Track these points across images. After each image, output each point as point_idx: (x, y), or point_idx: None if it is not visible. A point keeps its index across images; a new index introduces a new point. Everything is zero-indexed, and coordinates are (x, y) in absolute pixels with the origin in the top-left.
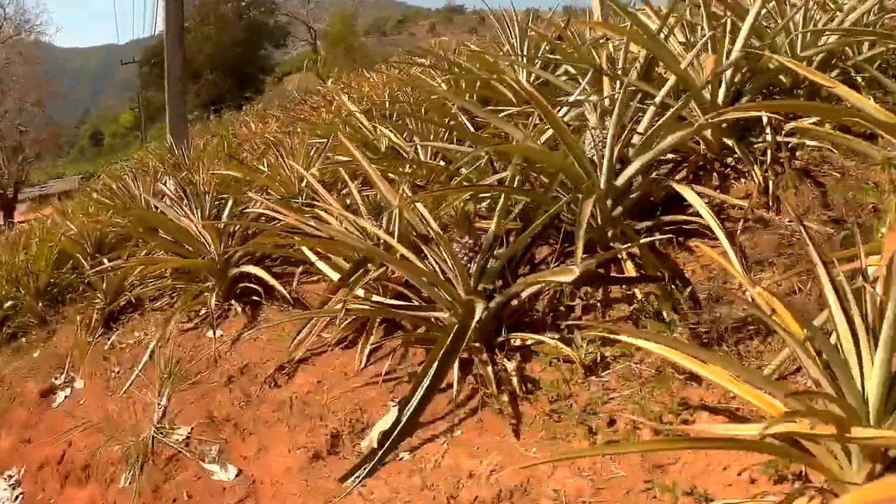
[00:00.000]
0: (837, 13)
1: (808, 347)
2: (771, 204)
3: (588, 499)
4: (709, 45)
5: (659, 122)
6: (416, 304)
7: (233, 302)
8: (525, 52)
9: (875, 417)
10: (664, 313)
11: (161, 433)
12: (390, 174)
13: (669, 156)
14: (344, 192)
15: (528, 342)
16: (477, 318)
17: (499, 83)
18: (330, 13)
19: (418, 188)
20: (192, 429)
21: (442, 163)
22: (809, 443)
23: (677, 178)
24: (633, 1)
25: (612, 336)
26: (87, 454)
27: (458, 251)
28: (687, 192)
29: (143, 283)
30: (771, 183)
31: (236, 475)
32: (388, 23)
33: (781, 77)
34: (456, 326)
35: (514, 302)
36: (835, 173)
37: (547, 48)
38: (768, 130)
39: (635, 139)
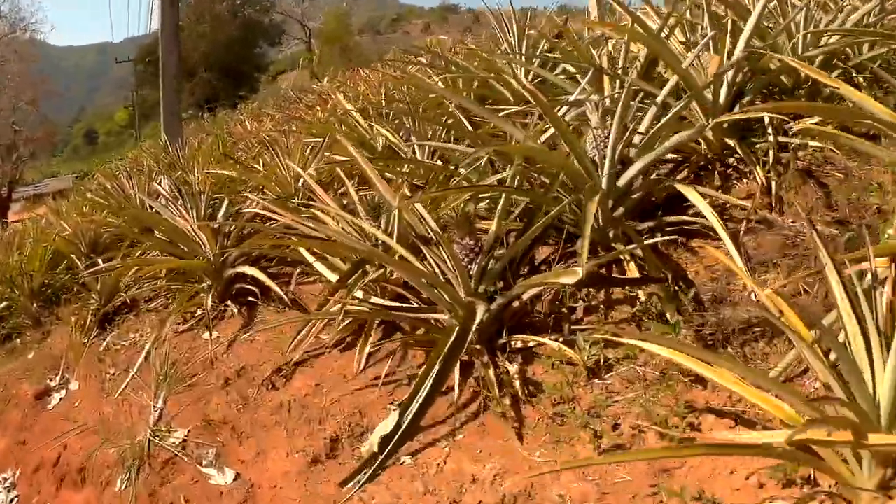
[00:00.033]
0: (838, 14)
1: (816, 350)
2: (774, 204)
3: None
4: (710, 44)
5: (661, 123)
6: (416, 305)
7: (229, 303)
8: (523, 51)
9: (887, 422)
10: (668, 315)
11: (157, 436)
12: (387, 174)
13: (670, 156)
14: (341, 191)
15: (530, 344)
16: (478, 320)
17: (496, 82)
18: (324, 12)
19: (416, 188)
20: (188, 432)
21: (440, 162)
22: (819, 447)
23: (678, 178)
24: (631, 1)
25: (615, 339)
26: (83, 457)
27: (458, 252)
28: (690, 193)
29: (137, 283)
30: (773, 183)
31: (234, 479)
32: (382, 21)
33: (782, 77)
34: (457, 329)
35: (516, 304)
36: (838, 174)
37: (545, 47)
38: (770, 130)
39: (636, 139)
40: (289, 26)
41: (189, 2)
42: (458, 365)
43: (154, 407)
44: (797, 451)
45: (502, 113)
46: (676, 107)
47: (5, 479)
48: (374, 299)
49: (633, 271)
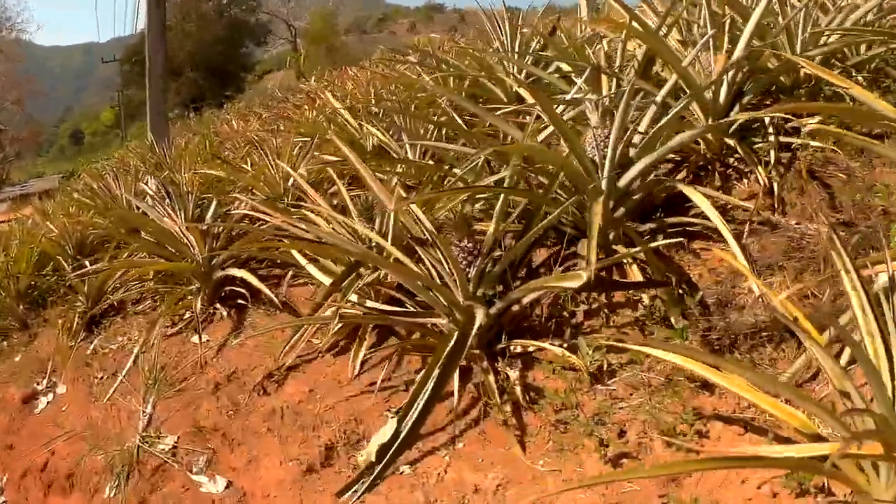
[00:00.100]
0: (837, 14)
1: (831, 354)
2: (776, 206)
3: None
4: (710, 43)
5: (662, 122)
6: (412, 309)
7: (218, 306)
8: (516, 49)
9: None
10: (672, 319)
11: (146, 442)
12: (378, 174)
13: (669, 156)
14: (331, 192)
15: (530, 349)
16: (477, 324)
17: (488, 81)
18: (310, 11)
19: (408, 188)
20: (178, 438)
21: (431, 162)
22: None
23: (677, 178)
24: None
25: (620, 344)
26: (71, 463)
27: (456, 255)
28: (693, 194)
29: (125, 286)
30: (776, 184)
31: (225, 487)
32: (368, 21)
33: (782, 77)
34: (456, 333)
35: (515, 307)
36: (840, 175)
37: (538, 46)
38: (771, 130)
39: (636, 139)
40: (275, 26)
41: (175, 1)
42: (457, 371)
43: (143, 412)
44: (817, 461)
45: (496, 113)
46: (677, 106)
47: None
48: (368, 303)
49: (635, 274)
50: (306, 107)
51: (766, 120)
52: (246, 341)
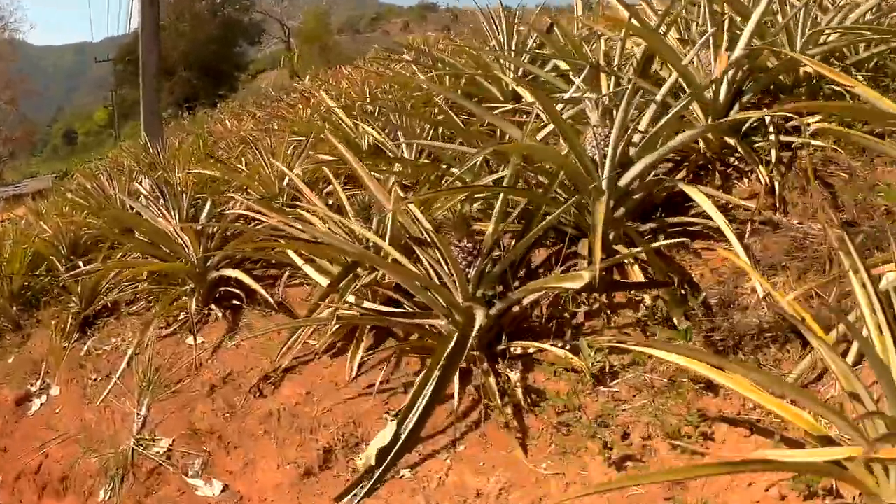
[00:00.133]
0: (837, 13)
1: (838, 354)
2: (778, 205)
3: None
4: (710, 41)
5: (663, 121)
6: (410, 310)
7: (213, 306)
8: (513, 48)
9: None
10: (675, 320)
11: (141, 445)
12: (374, 173)
13: (669, 155)
14: (326, 191)
15: (530, 350)
16: (477, 326)
17: (484, 79)
18: (304, 11)
19: (405, 188)
20: (173, 441)
21: (427, 161)
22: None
23: (677, 177)
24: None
25: (624, 345)
26: (65, 465)
27: (455, 255)
28: (695, 194)
29: (118, 286)
30: (777, 183)
31: (222, 490)
32: (361, 21)
33: (781, 77)
34: (456, 335)
35: (515, 308)
36: (842, 174)
37: (534, 45)
38: (771, 129)
39: (635, 138)
40: (268, 25)
41: (169, 0)
42: (457, 373)
43: (137, 414)
44: (831, 464)
45: (493, 112)
46: (678, 105)
47: None
48: (366, 304)
49: (636, 275)
50: (300, 106)
51: (767, 119)
52: (241, 343)
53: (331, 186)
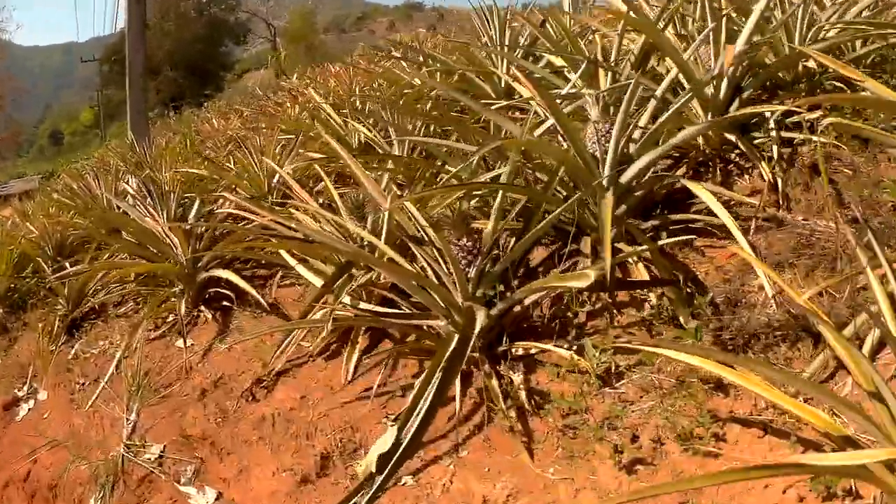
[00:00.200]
0: (836, 10)
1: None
2: (781, 202)
3: None
4: (710, 36)
5: (664, 117)
6: (407, 311)
7: (202, 308)
8: (506, 44)
9: None
10: (681, 319)
11: (131, 451)
12: (366, 171)
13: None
14: (316, 190)
15: (532, 351)
16: (478, 326)
17: (476, 76)
18: (290, 10)
19: (399, 186)
20: (164, 447)
21: (421, 158)
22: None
23: (677, 174)
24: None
25: (631, 345)
26: (54, 472)
27: (455, 254)
28: (700, 190)
29: (106, 288)
30: (780, 180)
31: (216, 499)
32: (347, 20)
33: (780, 73)
34: (457, 336)
35: (516, 308)
36: (845, 170)
37: (527, 41)
38: (772, 125)
39: (636, 134)
40: (254, 25)
41: (155, 0)
42: (459, 375)
43: (127, 419)
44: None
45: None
46: (679, 100)
47: None
48: (362, 305)
49: (641, 273)
50: (288, 104)
51: (768, 114)
52: (233, 345)
53: (321, 185)
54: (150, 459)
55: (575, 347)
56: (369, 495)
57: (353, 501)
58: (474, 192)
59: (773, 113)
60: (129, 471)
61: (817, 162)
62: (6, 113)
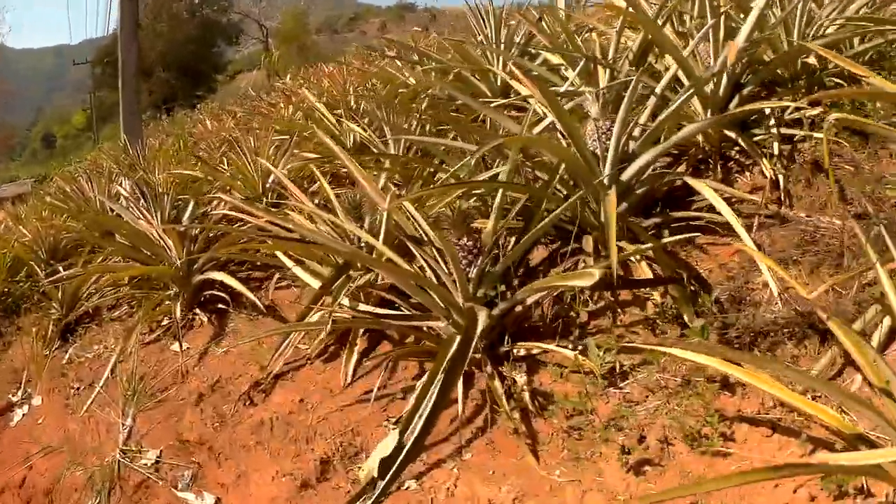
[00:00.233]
0: (835, 6)
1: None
2: (783, 199)
3: None
4: (710, 33)
5: (666, 114)
6: (407, 312)
7: (197, 311)
8: (503, 42)
9: None
10: (685, 317)
11: (127, 457)
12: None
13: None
14: (311, 191)
15: (534, 351)
16: (480, 327)
17: (471, 75)
18: (282, 11)
19: (396, 185)
20: (161, 452)
21: (418, 157)
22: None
23: (677, 172)
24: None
25: (640, 345)
26: (50, 478)
27: (456, 254)
28: (703, 188)
29: (100, 291)
30: (781, 177)
31: None
32: (339, 21)
33: (779, 70)
34: (458, 337)
35: (518, 308)
36: (847, 166)
37: (522, 40)
38: (772, 122)
39: (635, 132)
40: (246, 26)
41: (147, 1)
42: (461, 377)
43: (123, 424)
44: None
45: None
46: (680, 97)
47: None
48: (361, 306)
49: (644, 271)
50: (282, 105)
51: (767, 111)
52: (229, 348)
53: (315, 186)
54: (146, 465)
55: (579, 347)
56: (372, 500)
57: None
58: (473, 192)
59: (773, 109)
60: (125, 476)
61: (818, 158)
62: None
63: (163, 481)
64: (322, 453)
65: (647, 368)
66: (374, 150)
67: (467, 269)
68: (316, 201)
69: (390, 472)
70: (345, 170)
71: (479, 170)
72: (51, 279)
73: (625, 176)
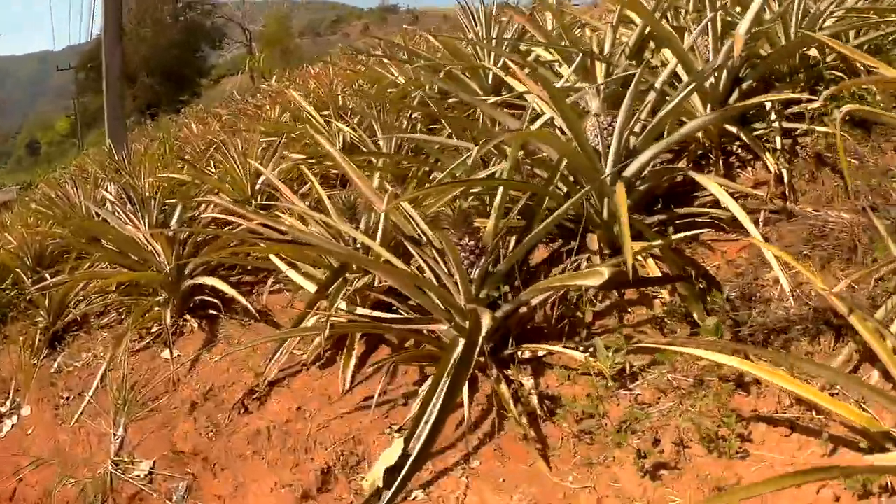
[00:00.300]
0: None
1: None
2: (788, 193)
3: None
4: (709, 26)
5: (668, 109)
6: (406, 315)
7: (188, 317)
8: (494, 38)
9: None
10: (695, 315)
11: (120, 468)
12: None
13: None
14: (301, 192)
15: (539, 353)
16: (484, 329)
17: (462, 73)
18: (265, 14)
19: (390, 185)
20: (154, 462)
21: (409, 156)
22: None
23: (678, 167)
24: None
25: (654, 345)
26: (41, 491)
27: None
28: (708, 183)
29: (87, 298)
30: (785, 171)
31: None
32: (322, 24)
33: (776, 65)
34: (462, 340)
35: (523, 309)
36: (851, 160)
37: (514, 35)
38: (774, 116)
39: (636, 127)
40: (230, 30)
41: (130, 6)
42: (466, 381)
43: (114, 435)
44: None
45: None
46: (681, 92)
47: None
48: (358, 310)
49: (652, 269)
50: (268, 107)
51: (768, 105)
52: (222, 355)
53: (305, 187)
54: (139, 476)
55: (589, 349)
56: None
57: None
58: (471, 191)
59: (773, 103)
60: (118, 489)
61: (821, 152)
62: None
63: (157, 493)
64: (322, 463)
65: (657, 369)
66: (363, 150)
67: (469, 270)
68: (307, 203)
69: (396, 482)
70: (335, 171)
71: (477, 168)
72: (37, 286)
73: (628, 172)
